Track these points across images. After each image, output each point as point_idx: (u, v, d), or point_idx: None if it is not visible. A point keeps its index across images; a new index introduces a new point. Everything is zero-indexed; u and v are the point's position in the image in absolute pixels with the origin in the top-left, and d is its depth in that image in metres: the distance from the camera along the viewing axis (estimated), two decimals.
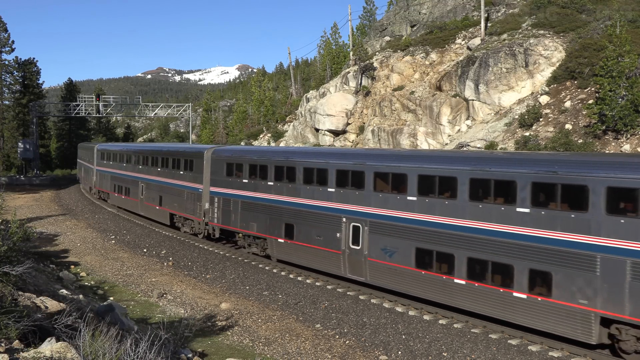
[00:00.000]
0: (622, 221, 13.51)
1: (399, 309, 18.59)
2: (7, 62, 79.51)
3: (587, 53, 37.77)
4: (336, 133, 54.38)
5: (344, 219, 20.71)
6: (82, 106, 78.43)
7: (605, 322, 14.01)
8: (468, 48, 49.01)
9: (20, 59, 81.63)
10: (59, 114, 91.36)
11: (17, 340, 9.18)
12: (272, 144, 64.59)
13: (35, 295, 13.77)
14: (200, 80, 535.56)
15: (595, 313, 13.88)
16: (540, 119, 36.95)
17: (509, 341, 15.60)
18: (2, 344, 8.76)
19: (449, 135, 43.48)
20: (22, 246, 17.35)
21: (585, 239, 14.06)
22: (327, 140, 54.78)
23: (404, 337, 16.31)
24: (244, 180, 26.47)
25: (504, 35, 45.30)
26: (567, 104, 36.91)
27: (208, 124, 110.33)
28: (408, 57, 53.49)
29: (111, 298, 20.42)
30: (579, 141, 32.89)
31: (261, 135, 73.90)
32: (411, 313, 18.18)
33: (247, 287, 22.16)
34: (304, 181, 22.75)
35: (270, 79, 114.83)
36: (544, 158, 16.29)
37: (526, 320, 15.32)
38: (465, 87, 43.64)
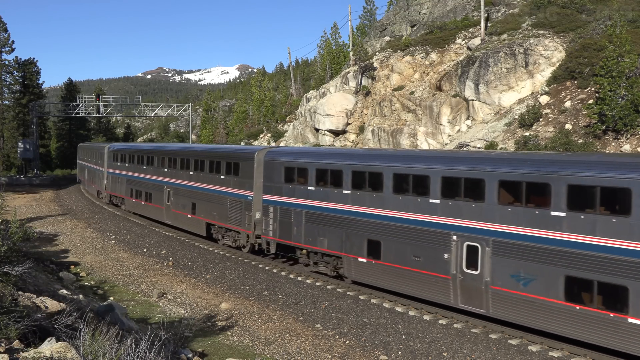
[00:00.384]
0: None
1: (399, 309, 18.59)
2: (7, 62, 79.58)
3: (587, 53, 37.78)
4: (336, 133, 54.42)
5: (455, 237, 17.03)
6: (82, 106, 78.43)
7: None
8: (468, 48, 49.03)
9: (20, 59, 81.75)
10: (59, 114, 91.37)
11: (17, 340, 9.19)
12: (272, 144, 64.58)
13: (35, 295, 13.77)
14: (200, 80, 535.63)
15: None
16: (540, 119, 36.96)
17: (509, 341, 15.60)
18: (2, 344, 8.77)
19: (449, 135, 43.50)
20: (22, 246, 17.38)
21: None
22: (327, 140, 54.82)
23: (404, 337, 16.31)
24: (310, 188, 22.60)
25: (504, 35, 45.32)
26: (567, 104, 36.92)
27: (208, 124, 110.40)
28: (408, 57, 53.51)
29: (111, 298, 20.42)
30: (579, 141, 32.89)
31: (261, 135, 73.95)
32: (411, 313, 18.18)
33: (247, 287, 22.16)
34: (394, 190, 19.04)
35: (270, 79, 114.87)
36: None
37: None
38: (465, 87, 43.65)
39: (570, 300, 14.33)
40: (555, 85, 39.17)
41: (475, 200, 16.67)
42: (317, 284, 22.05)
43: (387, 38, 63.34)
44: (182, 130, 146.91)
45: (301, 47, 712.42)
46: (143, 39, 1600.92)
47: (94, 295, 20.83)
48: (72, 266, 25.75)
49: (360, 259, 20.37)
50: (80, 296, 18.02)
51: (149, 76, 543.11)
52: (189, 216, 32.16)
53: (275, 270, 24.38)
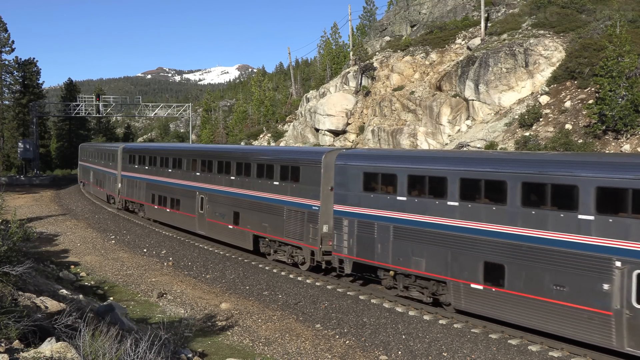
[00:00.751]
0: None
1: (399, 309, 18.58)
2: (7, 62, 79.62)
3: (587, 53, 37.80)
4: (336, 133, 54.46)
5: (618, 264, 13.56)
6: (82, 106, 78.44)
7: None
8: (468, 48, 49.04)
9: (20, 59, 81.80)
10: (59, 114, 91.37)
11: (17, 340, 9.19)
12: (272, 144, 64.55)
13: (35, 295, 13.78)
14: (200, 80, 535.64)
15: None
16: (540, 119, 36.97)
17: (509, 341, 15.60)
18: (2, 344, 8.77)
19: (449, 135, 43.50)
20: (22, 246, 17.38)
21: None
22: (327, 140, 54.85)
23: (404, 337, 16.31)
24: (400, 198, 19.16)
25: (504, 35, 45.34)
26: (567, 104, 36.93)
27: (208, 124, 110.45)
28: (408, 57, 53.53)
29: (111, 298, 20.43)
30: (579, 141, 32.90)
31: (261, 135, 73.98)
32: (411, 313, 18.18)
33: (247, 287, 22.16)
34: (522, 203, 15.57)
35: (270, 79, 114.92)
36: None
37: None
38: (465, 87, 43.66)
39: None
40: (555, 85, 39.18)
41: None
42: (317, 284, 22.05)
43: (387, 38, 63.37)
44: (182, 130, 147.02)
45: (301, 47, 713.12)
46: (143, 39, 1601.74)
47: (94, 295, 20.84)
48: (72, 266, 25.77)
49: (473, 286, 16.86)
50: (80, 296, 18.03)
51: (149, 76, 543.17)
52: (230, 227, 28.40)
53: (275, 270, 24.38)
